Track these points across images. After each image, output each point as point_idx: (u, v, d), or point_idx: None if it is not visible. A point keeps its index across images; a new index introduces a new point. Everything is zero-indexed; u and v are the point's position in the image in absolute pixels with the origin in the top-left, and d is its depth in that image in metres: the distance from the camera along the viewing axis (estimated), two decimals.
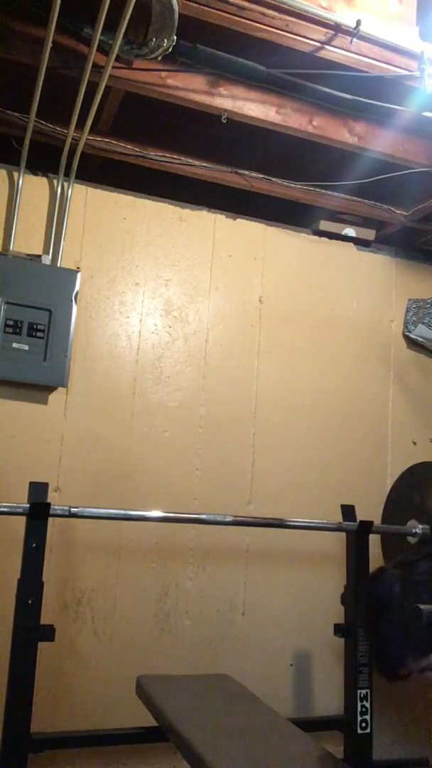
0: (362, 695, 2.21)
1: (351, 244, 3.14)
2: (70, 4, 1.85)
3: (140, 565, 2.58)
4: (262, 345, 2.90)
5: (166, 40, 1.98)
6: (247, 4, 1.95)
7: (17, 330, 2.44)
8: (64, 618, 2.44)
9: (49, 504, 1.92)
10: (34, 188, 2.63)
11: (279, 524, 2.51)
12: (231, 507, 2.70)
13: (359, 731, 2.18)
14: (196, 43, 2.13)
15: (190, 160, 2.65)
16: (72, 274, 2.56)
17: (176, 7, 1.85)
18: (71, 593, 2.47)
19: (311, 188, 2.82)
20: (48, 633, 1.88)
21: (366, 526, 2.34)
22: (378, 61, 2.14)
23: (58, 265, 2.57)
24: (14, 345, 2.43)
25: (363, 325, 3.09)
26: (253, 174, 2.74)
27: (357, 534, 2.34)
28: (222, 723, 1.75)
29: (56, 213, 2.62)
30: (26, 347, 2.44)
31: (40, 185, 2.64)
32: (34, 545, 1.90)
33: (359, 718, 2.19)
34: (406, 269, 3.23)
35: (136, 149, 2.59)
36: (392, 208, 2.94)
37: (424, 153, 2.57)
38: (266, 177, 2.75)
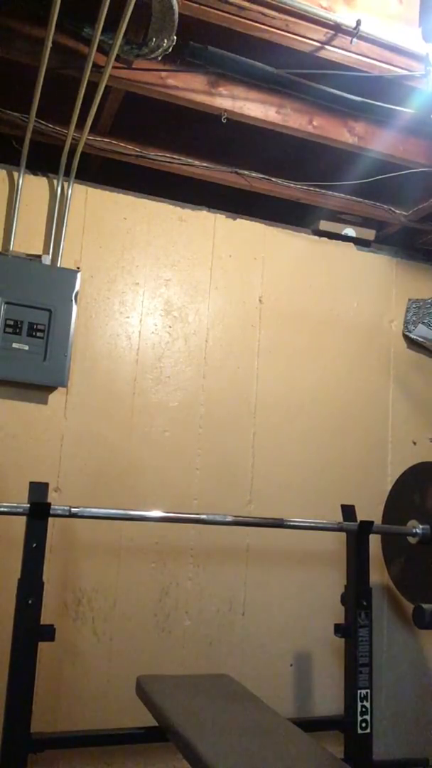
0: (362, 695, 2.21)
1: (351, 244, 3.14)
2: (70, 4, 1.85)
3: (140, 565, 2.58)
4: (262, 345, 2.90)
5: (166, 40, 1.98)
6: (247, 4, 1.95)
7: (17, 330, 2.44)
8: (64, 618, 2.44)
9: (49, 504, 1.92)
10: (34, 188, 2.63)
11: (279, 524, 2.50)
12: (231, 507, 2.71)
13: (359, 731, 2.18)
14: (196, 43, 2.12)
15: (190, 160, 2.65)
16: (72, 274, 2.56)
17: (176, 7, 1.84)
18: (71, 593, 2.47)
19: (311, 188, 2.82)
20: (48, 633, 1.88)
21: (366, 526, 2.34)
22: (378, 61, 2.13)
23: (58, 265, 2.57)
24: (14, 345, 2.43)
25: (363, 325, 3.09)
26: (253, 174, 2.74)
27: (357, 534, 2.34)
28: (222, 723, 1.75)
29: (56, 213, 2.62)
30: (26, 347, 2.44)
31: (40, 185, 2.64)
32: (34, 545, 1.90)
33: (359, 718, 2.19)
34: (406, 269, 3.23)
35: (136, 149, 2.59)
36: (392, 208, 2.94)
37: (424, 153, 2.57)
38: (266, 177, 2.75)
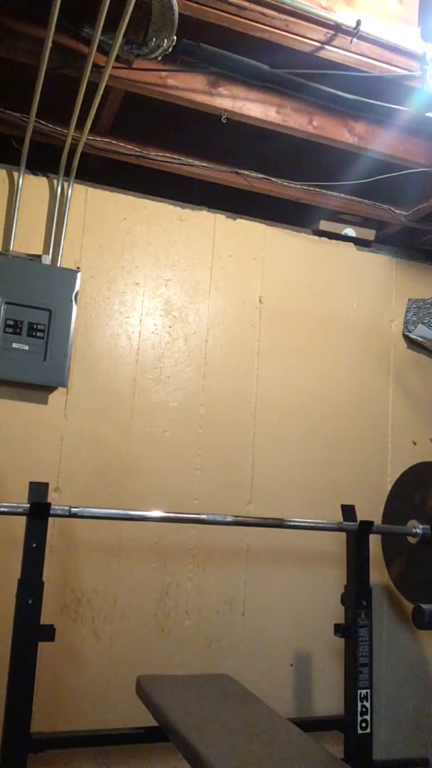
0: (362, 695, 2.21)
1: (351, 244, 3.14)
2: (70, 4, 1.85)
3: (140, 565, 2.58)
4: (262, 345, 2.90)
5: (166, 40, 1.98)
6: (247, 4, 1.95)
7: (17, 330, 2.44)
8: (64, 618, 2.44)
9: (49, 504, 1.92)
10: (34, 188, 2.63)
11: (279, 524, 2.51)
12: (231, 507, 2.70)
13: (359, 731, 2.18)
14: (196, 43, 2.12)
15: (190, 160, 2.65)
16: (72, 274, 2.56)
17: (176, 7, 1.84)
18: (71, 593, 2.47)
19: (311, 188, 2.82)
20: (48, 633, 1.88)
21: (366, 526, 2.34)
22: (378, 61, 2.14)
23: (58, 265, 2.57)
24: (14, 345, 2.43)
25: (363, 325, 3.09)
26: (253, 174, 2.74)
27: (357, 534, 2.34)
28: (222, 723, 1.75)
29: (56, 213, 2.62)
30: (26, 347, 2.44)
31: (40, 185, 2.64)
32: (34, 545, 1.90)
33: (359, 718, 2.19)
34: (406, 269, 3.23)
35: (136, 149, 2.59)
36: (392, 208, 2.94)
37: (424, 153, 2.58)
38: (266, 177, 2.75)
